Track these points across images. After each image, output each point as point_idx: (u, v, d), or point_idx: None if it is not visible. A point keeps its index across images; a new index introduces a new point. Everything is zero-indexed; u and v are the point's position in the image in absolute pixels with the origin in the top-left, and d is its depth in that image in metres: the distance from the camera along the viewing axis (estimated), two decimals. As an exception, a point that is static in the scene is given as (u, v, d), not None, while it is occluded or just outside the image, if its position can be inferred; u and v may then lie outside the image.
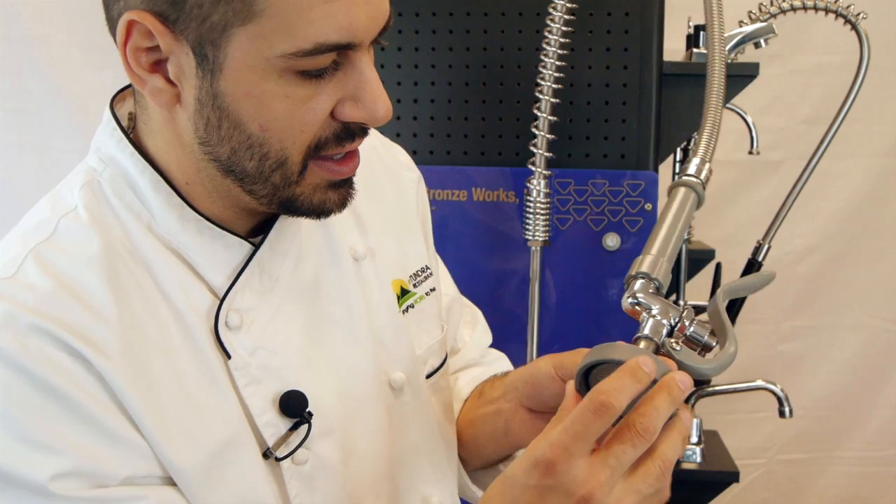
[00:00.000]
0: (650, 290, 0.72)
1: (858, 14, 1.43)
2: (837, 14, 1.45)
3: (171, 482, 0.67)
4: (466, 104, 1.41)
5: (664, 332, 0.70)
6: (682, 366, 0.67)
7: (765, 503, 2.33)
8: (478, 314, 1.04)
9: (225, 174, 0.68)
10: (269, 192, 0.68)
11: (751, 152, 1.67)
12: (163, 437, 0.66)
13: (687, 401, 1.78)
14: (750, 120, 1.66)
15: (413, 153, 0.97)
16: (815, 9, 1.43)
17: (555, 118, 1.26)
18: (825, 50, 2.08)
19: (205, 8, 0.61)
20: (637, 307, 0.71)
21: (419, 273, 0.88)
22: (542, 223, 1.28)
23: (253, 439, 0.70)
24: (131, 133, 0.73)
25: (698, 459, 1.60)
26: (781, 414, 1.58)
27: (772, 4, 1.46)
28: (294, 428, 0.71)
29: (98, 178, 0.71)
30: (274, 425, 0.71)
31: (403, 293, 0.85)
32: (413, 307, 0.86)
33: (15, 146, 2.08)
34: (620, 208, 1.35)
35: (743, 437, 2.21)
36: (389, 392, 0.80)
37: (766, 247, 1.49)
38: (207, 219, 0.71)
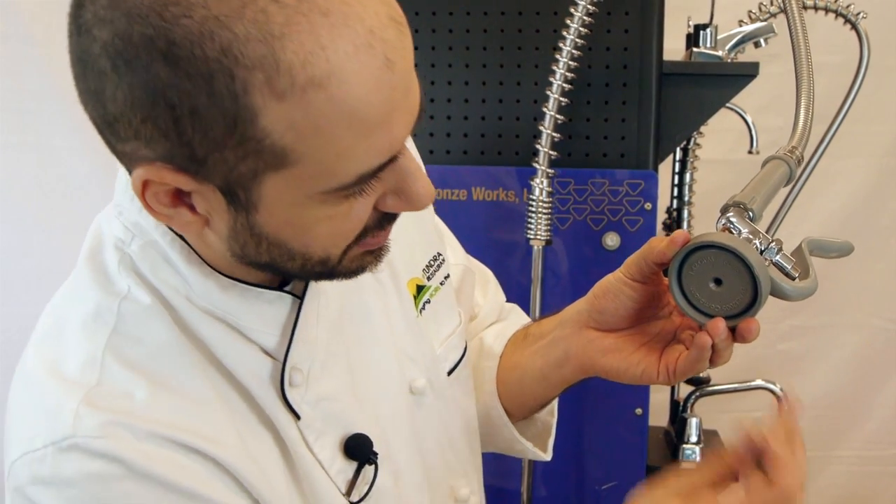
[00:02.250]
0: (743, 216, 0.75)
1: (858, 14, 1.44)
2: (837, 13, 1.45)
3: None
4: (466, 103, 1.41)
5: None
6: (769, 280, 0.70)
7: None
8: (487, 273, 1.02)
9: (260, 269, 0.65)
10: (308, 276, 0.67)
11: (750, 152, 1.67)
12: None
13: (687, 400, 1.76)
14: (750, 119, 1.66)
15: (413, 152, 0.97)
16: (815, 8, 1.43)
17: (561, 117, 1.26)
18: (825, 49, 2.06)
19: (230, 162, 0.56)
20: (730, 229, 0.75)
21: (432, 263, 0.86)
22: (544, 222, 1.28)
23: (337, 492, 0.70)
24: None
25: (698, 459, 1.60)
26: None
27: (772, 4, 1.46)
28: (359, 469, 0.71)
29: (126, 250, 0.67)
30: (343, 471, 0.71)
31: (419, 290, 0.84)
32: (430, 302, 0.84)
33: (14, 146, 2.07)
34: (620, 208, 1.35)
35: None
36: (412, 398, 0.79)
37: (765, 246, 1.48)
38: (241, 281, 0.67)
